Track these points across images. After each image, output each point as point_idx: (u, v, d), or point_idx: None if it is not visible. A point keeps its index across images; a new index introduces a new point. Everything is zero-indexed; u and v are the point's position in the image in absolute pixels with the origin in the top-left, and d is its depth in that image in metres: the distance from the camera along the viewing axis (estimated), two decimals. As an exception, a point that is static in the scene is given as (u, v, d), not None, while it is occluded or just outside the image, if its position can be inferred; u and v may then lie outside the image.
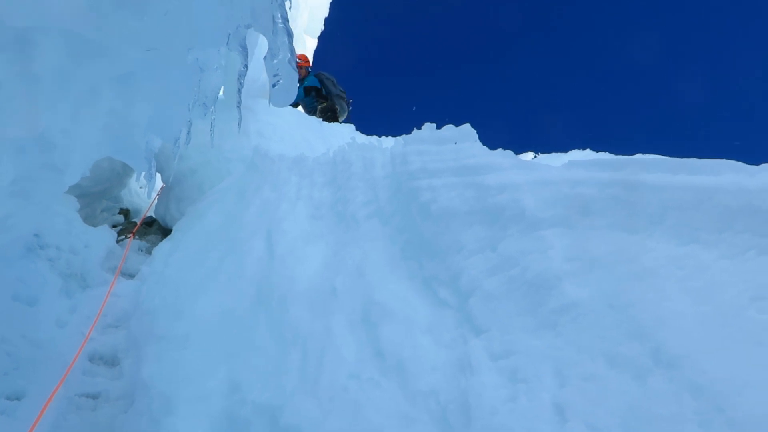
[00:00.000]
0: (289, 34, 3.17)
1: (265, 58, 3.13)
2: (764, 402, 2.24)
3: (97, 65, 3.06)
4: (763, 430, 2.17)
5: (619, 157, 3.76)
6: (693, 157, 3.38)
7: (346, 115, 12.78)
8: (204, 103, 3.70)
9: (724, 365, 2.45)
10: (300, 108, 12.59)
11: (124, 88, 3.41)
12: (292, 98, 3.22)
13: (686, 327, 2.67)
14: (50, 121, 2.98)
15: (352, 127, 11.91)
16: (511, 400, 2.93)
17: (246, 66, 3.46)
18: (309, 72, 12.71)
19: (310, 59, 13.56)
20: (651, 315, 2.81)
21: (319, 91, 12.53)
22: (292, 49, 3.11)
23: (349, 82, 13.08)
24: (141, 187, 11.66)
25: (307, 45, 14.26)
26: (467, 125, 4.80)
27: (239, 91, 3.60)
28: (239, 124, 3.91)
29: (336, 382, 3.62)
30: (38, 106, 2.87)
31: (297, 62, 12.25)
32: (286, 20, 3.16)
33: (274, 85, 3.12)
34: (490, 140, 4.74)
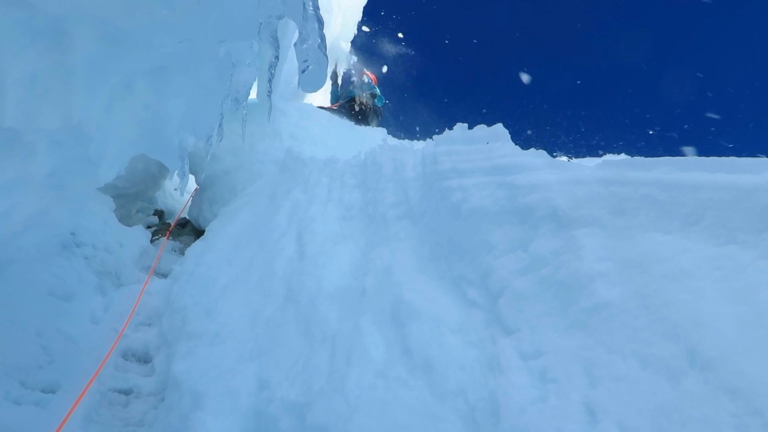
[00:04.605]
0: (320, 21, 3.17)
1: (295, 44, 3.14)
2: (805, 405, 2.17)
3: (132, 57, 3.09)
4: (803, 434, 2.09)
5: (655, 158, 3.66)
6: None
7: (376, 122, 13.18)
8: (236, 99, 3.73)
9: (762, 367, 2.37)
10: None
11: (157, 82, 3.45)
12: (321, 85, 3.21)
13: (723, 328, 2.59)
14: (85, 114, 3.02)
15: (384, 131, 12.02)
16: (540, 400, 2.88)
17: (277, 57, 3.48)
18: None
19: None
20: (686, 316, 2.73)
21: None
22: (322, 36, 3.10)
23: (381, 86, 13.56)
24: (175, 189, 11.87)
25: (341, 49, 14.41)
26: (499, 125, 4.76)
27: (270, 81, 3.62)
28: (269, 113, 3.92)
29: (363, 380, 3.60)
30: (73, 98, 2.92)
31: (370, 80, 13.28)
32: (317, 8, 3.17)
33: (303, 71, 3.11)
34: (524, 144, 4.67)
